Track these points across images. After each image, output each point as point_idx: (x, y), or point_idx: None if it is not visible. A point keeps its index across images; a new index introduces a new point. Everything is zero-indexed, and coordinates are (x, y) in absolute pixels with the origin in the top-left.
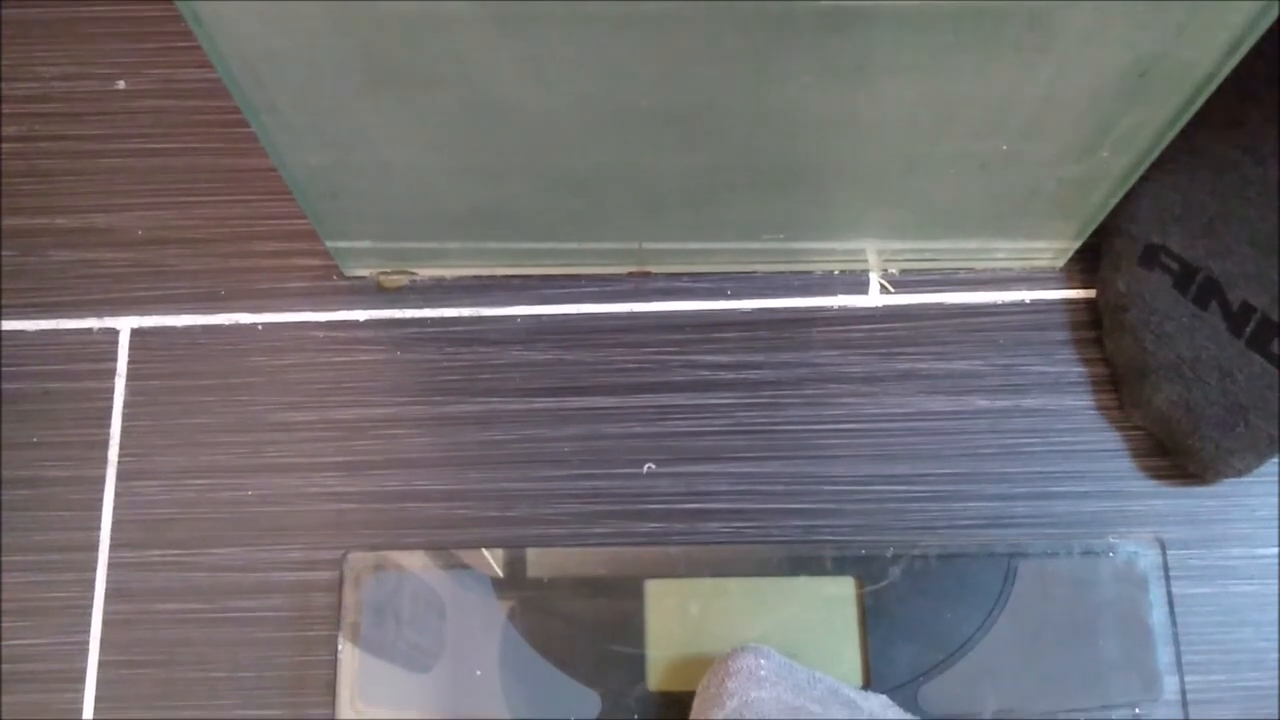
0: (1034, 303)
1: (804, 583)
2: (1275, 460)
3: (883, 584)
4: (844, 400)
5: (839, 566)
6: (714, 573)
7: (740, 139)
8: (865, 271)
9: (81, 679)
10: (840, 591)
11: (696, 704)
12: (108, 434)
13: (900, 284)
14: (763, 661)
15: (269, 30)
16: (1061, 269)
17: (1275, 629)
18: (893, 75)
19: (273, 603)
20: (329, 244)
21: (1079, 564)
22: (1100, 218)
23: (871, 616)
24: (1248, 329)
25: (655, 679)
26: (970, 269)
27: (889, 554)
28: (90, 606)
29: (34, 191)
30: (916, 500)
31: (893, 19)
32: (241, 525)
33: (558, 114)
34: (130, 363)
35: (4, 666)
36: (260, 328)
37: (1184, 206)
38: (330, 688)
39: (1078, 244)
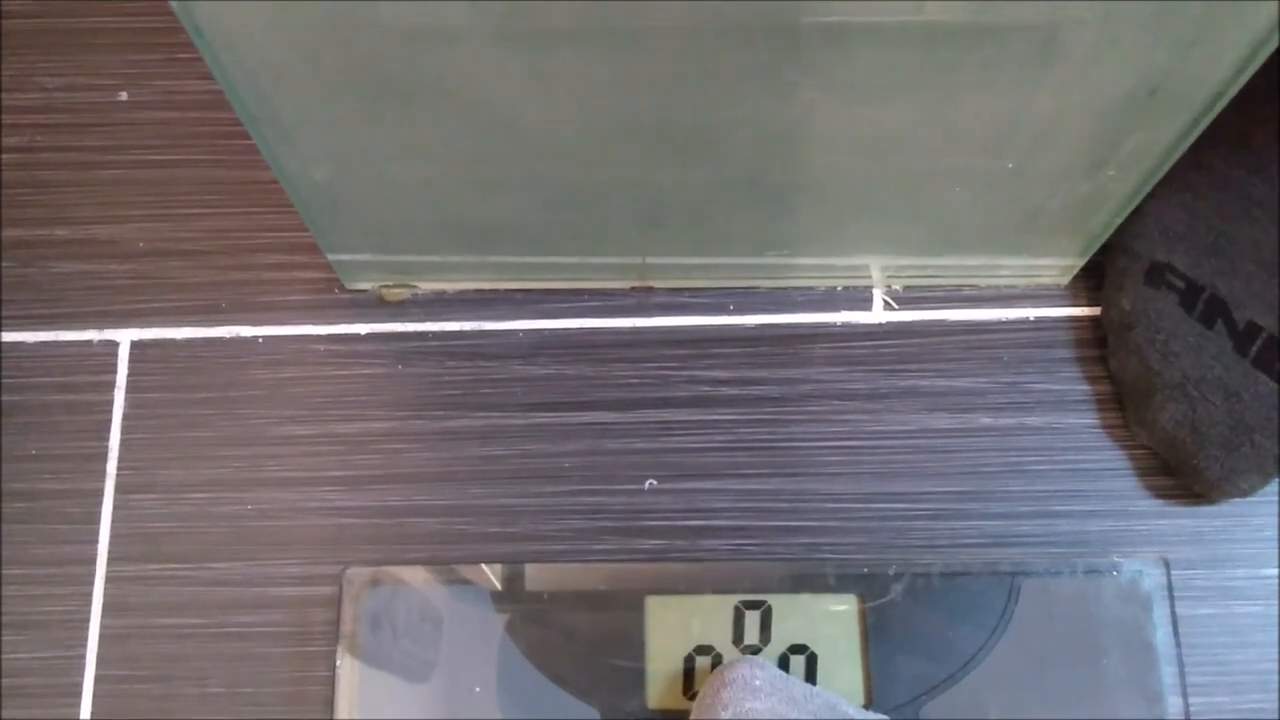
0: (1038, 320)
1: (806, 600)
2: None
3: (885, 602)
4: (847, 417)
5: (841, 584)
6: (715, 589)
7: (743, 154)
8: (869, 288)
9: (79, 693)
10: (842, 609)
11: (693, 714)
12: (107, 447)
13: (904, 300)
14: (758, 672)
15: (271, 42)
16: (1066, 286)
17: (1279, 650)
18: (897, 92)
19: (272, 618)
20: (330, 257)
21: (1083, 583)
22: (1106, 236)
23: (874, 635)
24: (1253, 348)
25: (655, 696)
26: (974, 286)
27: (891, 572)
28: (88, 620)
29: (35, 203)
30: (919, 518)
31: (898, 35)
32: (241, 539)
33: (560, 128)
34: (130, 375)
35: (1, 680)
36: (261, 340)
37: (1189, 225)
38: (329, 703)
39: (1083, 261)
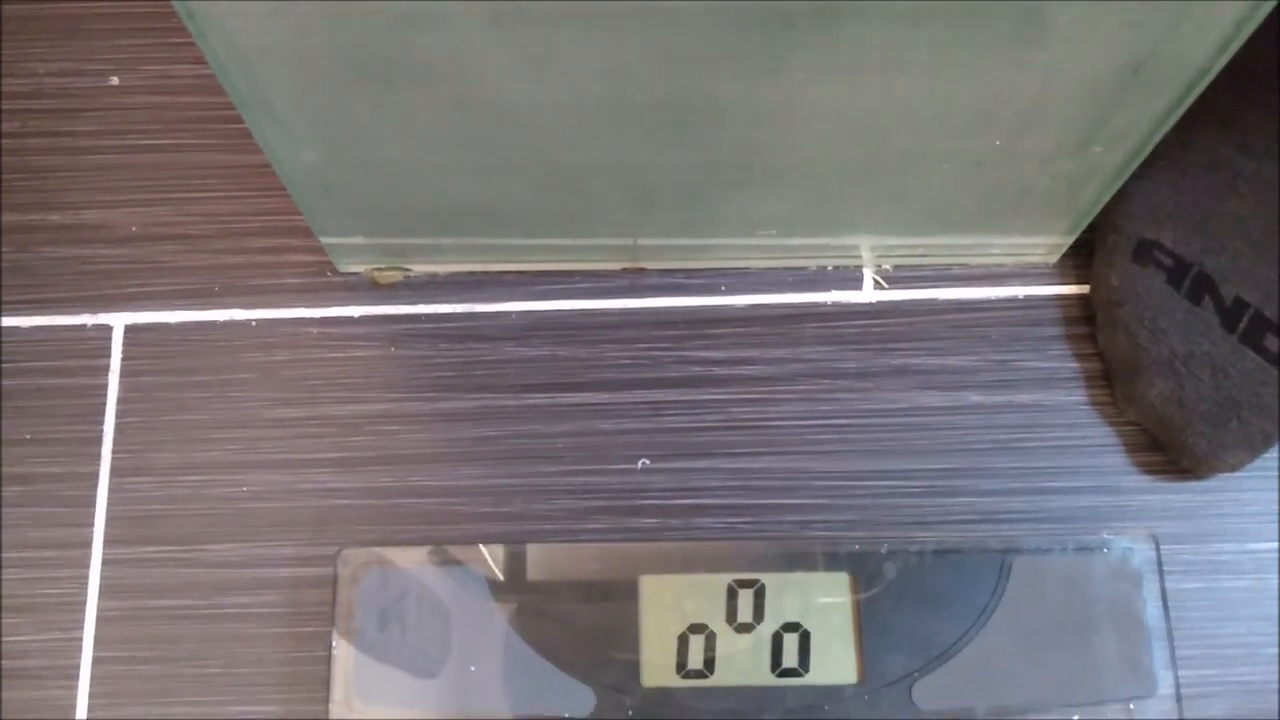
0: (1027, 298)
1: (798, 578)
2: (1268, 455)
3: (877, 580)
4: (837, 395)
5: (833, 562)
6: (709, 568)
7: (734, 135)
8: (859, 267)
9: (75, 675)
10: (835, 587)
11: None
12: (101, 430)
13: (894, 279)
14: None
15: (263, 25)
16: (1055, 265)
17: (1268, 623)
18: (887, 71)
19: (267, 599)
20: (323, 240)
21: (1073, 560)
22: (1094, 213)
23: (866, 613)
24: (1241, 324)
25: (650, 675)
26: (964, 265)
27: (883, 550)
28: (84, 603)
29: (28, 188)
30: (910, 495)
31: (886, 14)
32: (236, 521)
33: (552, 109)
34: (124, 359)
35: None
36: (254, 324)
37: (1177, 202)
38: (324, 684)
39: (1071, 240)
